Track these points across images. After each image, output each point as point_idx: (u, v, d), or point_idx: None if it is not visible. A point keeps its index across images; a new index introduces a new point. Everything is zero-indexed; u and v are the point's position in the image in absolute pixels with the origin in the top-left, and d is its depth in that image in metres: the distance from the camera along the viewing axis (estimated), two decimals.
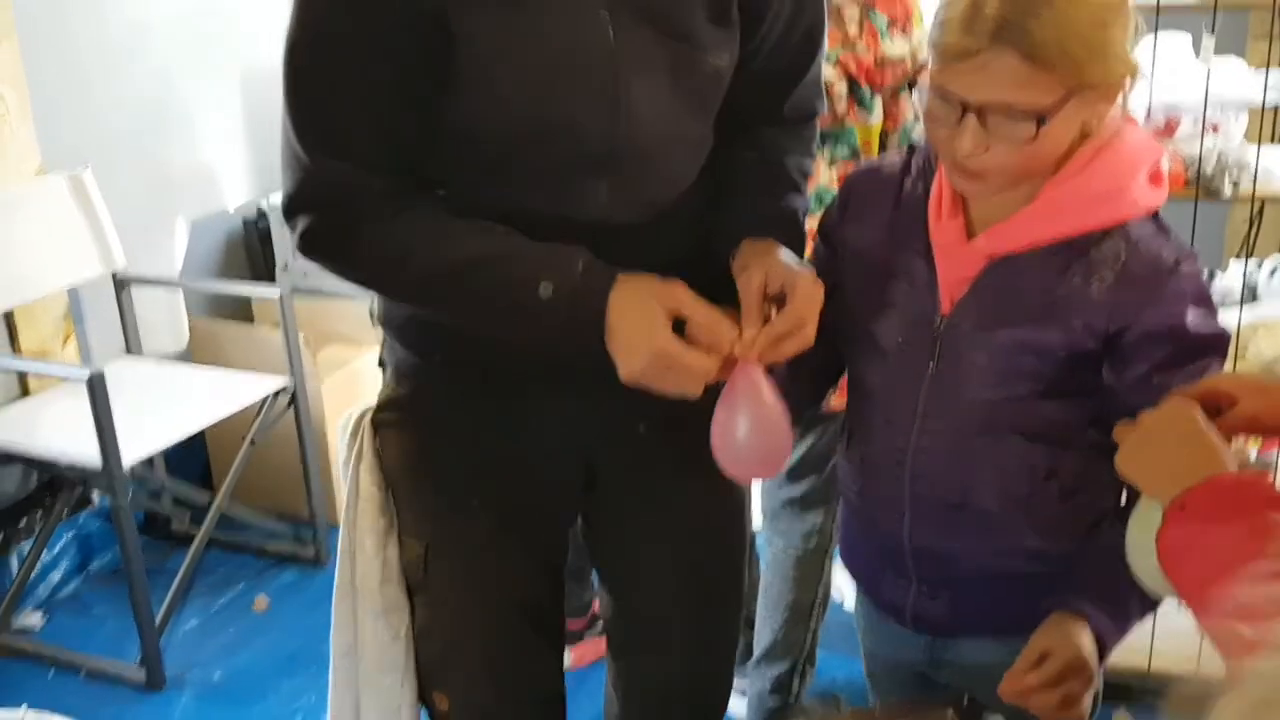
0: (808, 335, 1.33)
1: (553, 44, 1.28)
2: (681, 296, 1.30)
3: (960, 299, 1.37)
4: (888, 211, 1.44)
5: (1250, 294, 2.66)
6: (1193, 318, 1.32)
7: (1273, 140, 3.34)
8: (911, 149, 1.48)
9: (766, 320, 1.33)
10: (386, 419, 1.53)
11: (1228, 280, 2.74)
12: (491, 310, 1.34)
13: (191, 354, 3.46)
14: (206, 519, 3.07)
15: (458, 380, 1.48)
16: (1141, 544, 1.19)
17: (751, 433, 1.34)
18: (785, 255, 1.38)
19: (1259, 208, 3.33)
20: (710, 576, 1.64)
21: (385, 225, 1.33)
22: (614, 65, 1.30)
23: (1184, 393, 1.18)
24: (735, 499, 1.64)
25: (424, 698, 1.56)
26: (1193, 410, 1.12)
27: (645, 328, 1.27)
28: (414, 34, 1.25)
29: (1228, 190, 2.39)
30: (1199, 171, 2.39)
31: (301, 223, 1.34)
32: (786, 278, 1.34)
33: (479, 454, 1.48)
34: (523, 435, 1.48)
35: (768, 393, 1.33)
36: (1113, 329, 1.32)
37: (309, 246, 1.36)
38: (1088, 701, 1.33)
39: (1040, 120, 1.24)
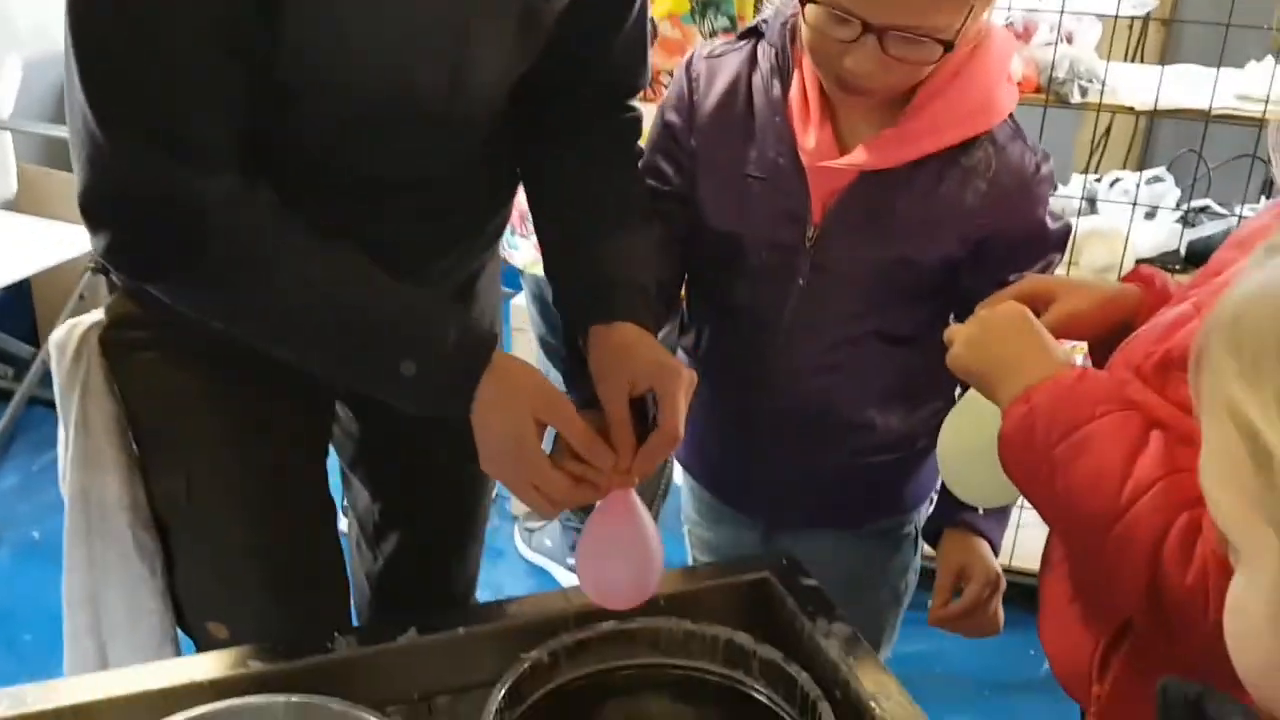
0: (678, 440, 1.21)
1: None
2: (558, 407, 1.19)
3: (830, 211, 1.33)
4: (739, 111, 1.37)
5: (1089, 205, 2.73)
6: (1049, 218, 1.35)
7: (1125, 56, 3.42)
8: (751, 33, 1.39)
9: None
10: (122, 338, 1.34)
11: (1070, 190, 2.81)
12: (347, 374, 1.24)
13: (19, 203, 3.31)
14: (29, 375, 2.96)
15: None
16: (963, 447, 1.22)
17: (626, 564, 1.23)
18: (646, 349, 1.24)
19: (1107, 125, 3.42)
20: (475, 481, 1.59)
21: (220, 248, 1.12)
22: (464, 15, 1.15)
23: (1004, 294, 1.19)
24: None
25: (190, 628, 1.42)
26: (1024, 309, 1.13)
27: (511, 431, 1.17)
28: None
29: (1076, 96, 2.45)
30: (1050, 78, 2.44)
31: (106, 235, 1.11)
32: (654, 379, 1.21)
33: (237, 371, 1.29)
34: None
35: (643, 521, 1.22)
36: (981, 235, 1.33)
37: (123, 265, 1.16)
38: (998, 604, 1.39)
39: (947, 46, 1.19)
